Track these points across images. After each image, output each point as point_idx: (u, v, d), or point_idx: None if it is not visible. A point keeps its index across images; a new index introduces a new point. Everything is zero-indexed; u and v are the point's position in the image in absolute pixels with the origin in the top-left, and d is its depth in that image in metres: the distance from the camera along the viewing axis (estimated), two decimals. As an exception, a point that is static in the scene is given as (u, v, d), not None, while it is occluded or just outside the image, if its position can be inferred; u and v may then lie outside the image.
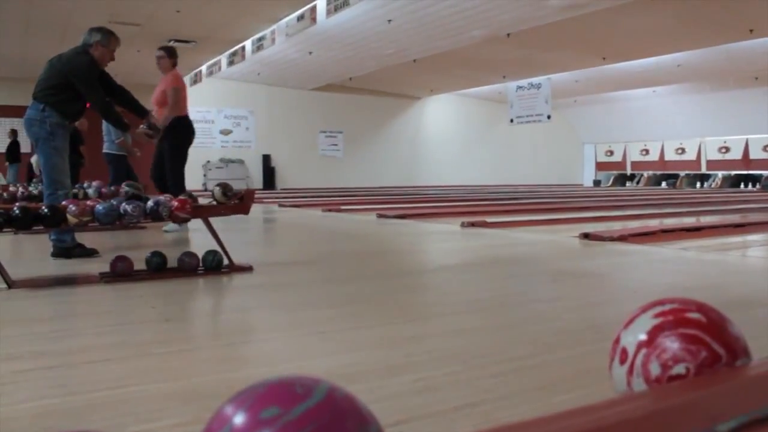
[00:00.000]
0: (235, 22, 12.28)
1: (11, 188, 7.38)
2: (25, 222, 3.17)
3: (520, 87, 16.61)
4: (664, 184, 22.09)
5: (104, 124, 7.59)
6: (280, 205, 10.76)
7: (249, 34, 13.31)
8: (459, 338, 2.16)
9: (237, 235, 5.73)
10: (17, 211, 3.15)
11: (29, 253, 4.85)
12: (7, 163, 13.60)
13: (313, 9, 10.93)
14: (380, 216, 7.89)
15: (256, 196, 4.27)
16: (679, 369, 0.93)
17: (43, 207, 3.28)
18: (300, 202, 11.47)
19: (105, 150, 7.41)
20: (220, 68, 15.64)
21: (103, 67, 4.36)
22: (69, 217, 3.26)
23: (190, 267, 3.48)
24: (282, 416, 0.60)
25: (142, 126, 4.70)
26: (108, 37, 4.32)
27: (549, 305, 2.81)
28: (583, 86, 19.20)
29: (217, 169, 18.43)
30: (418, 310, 2.78)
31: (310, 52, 14.84)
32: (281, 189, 19.17)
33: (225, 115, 19.56)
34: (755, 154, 19.90)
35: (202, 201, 3.95)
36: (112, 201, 3.46)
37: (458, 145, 22.95)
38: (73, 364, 1.87)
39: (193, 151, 6.55)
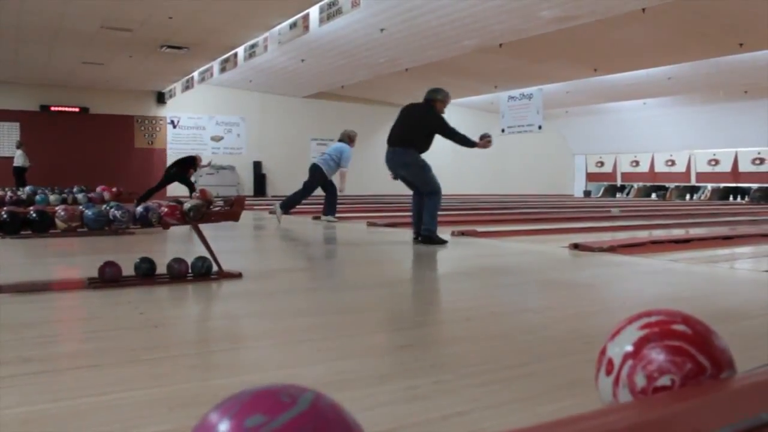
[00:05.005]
0: (228, 29, 12.28)
1: None
2: (13, 227, 3.16)
3: (511, 97, 16.63)
4: (653, 195, 22.19)
5: (332, 148, 9.45)
6: (271, 212, 10.72)
7: (241, 41, 13.31)
8: (448, 347, 2.16)
9: (227, 242, 5.72)
10: (5, 216, 3.13)
11: (17, 257, 4.82)
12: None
13: (306, 17, 10.94)
14: (370, 224, 7.89)
15: (246, 202, 4.26)
16: (664, 380, 0.93)
17: (32, 211, 3.27)
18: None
19: (316, 162, 9.03)
20: (212, 75, 15.63)
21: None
22: (58, 222, 3.25)
23: (179, 273, 3.47)
24: (266, 424, 0.60)
25: (481, 136, 5.95)
26: (445, 96, 5.93)
27: (538, 315, 2.82)
28: (574, 97, 19.29)
29: (208, 176, 18.38)
30: (407, 319, 2.78)
31: (303, 60, 14.86)
32: (272, 196, 19.13)
33: (216, 122, 19.56)
34: (744, 167, 20.02)
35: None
36: (101, 206, 3.44)
37: (449, 154, 22.69)
38: (60, 370, 1.86)
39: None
